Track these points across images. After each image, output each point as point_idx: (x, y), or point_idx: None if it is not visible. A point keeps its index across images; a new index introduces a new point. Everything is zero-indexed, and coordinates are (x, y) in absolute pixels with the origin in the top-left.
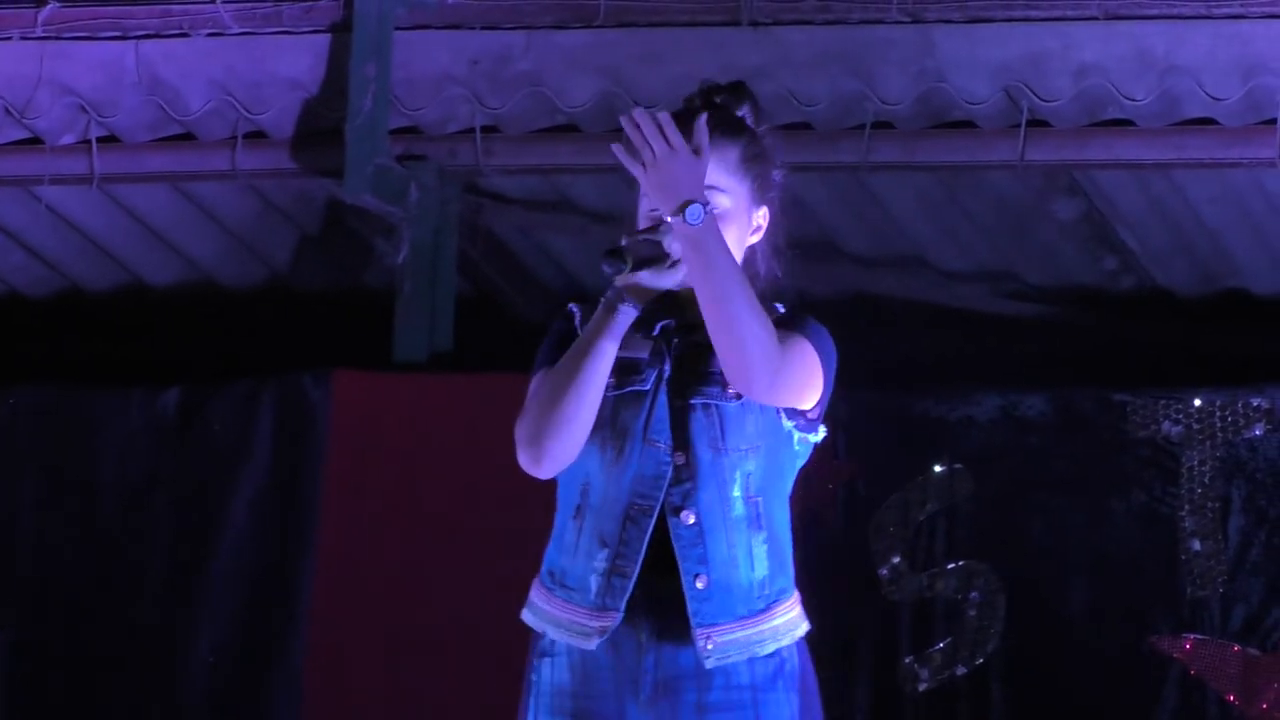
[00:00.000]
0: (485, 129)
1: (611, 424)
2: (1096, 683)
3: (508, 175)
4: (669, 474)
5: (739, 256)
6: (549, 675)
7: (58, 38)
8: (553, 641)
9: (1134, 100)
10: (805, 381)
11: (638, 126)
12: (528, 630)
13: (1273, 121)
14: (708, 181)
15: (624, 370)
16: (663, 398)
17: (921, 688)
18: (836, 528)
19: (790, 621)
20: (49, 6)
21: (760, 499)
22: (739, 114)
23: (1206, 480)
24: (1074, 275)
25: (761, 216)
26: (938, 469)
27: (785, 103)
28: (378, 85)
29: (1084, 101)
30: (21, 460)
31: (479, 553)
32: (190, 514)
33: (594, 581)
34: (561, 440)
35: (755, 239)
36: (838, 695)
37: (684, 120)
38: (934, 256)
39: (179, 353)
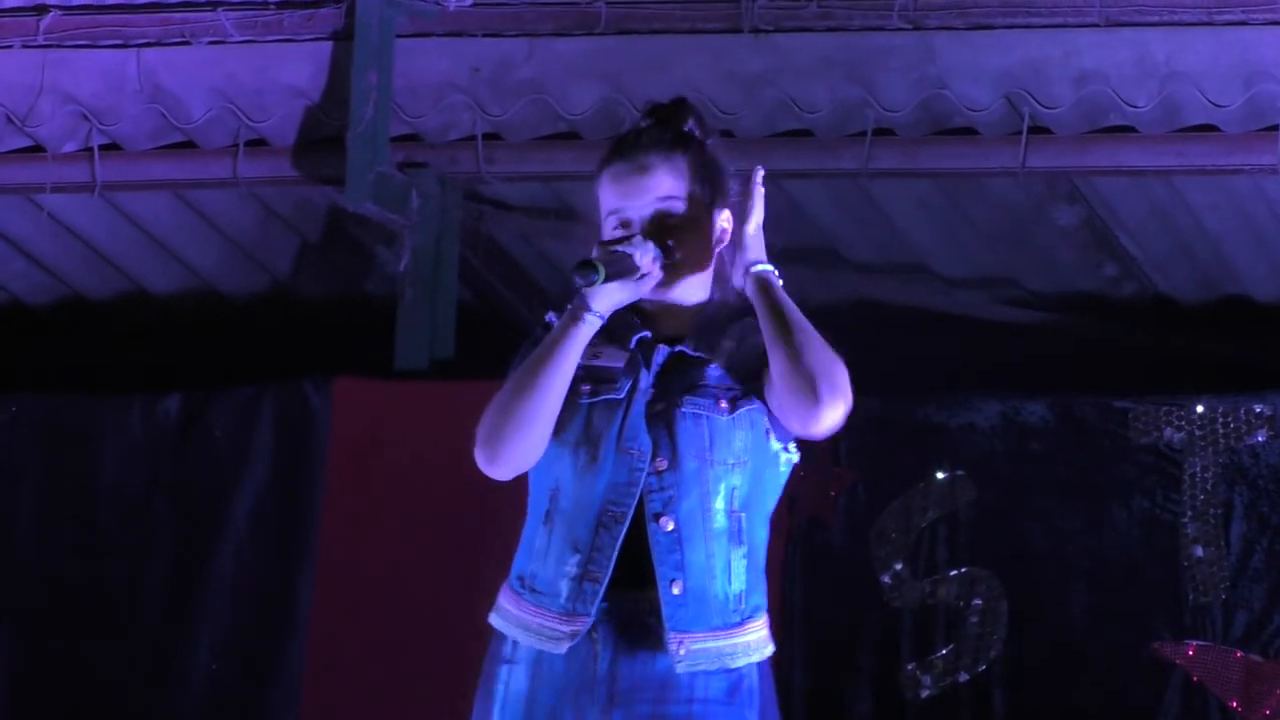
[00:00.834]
0: (487, 136)
1: (585, 431)
2: (1099, 689)
3: (509, 182)
4: (642, 481)
5: (709, 262)
6: (509, 682)
7: (60, 46)
8: (515, 646)
9: (1135, 107)
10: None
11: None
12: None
13: (1274, 128)
14: (663, 193)
15: (599, 379)
16: (638, 406)
17: (924, 694)
18: (838, 534)
19: (760, 640)
20: (51, 14)
21: (743, 515)
22: (685, 128)
23: (1208, 487)
24: (1075, 282)
25: (725, 220)
26: (939, 475)
27: (786, 110)
28: (379, 93)
29: (1085, 108)
30: (23, 467)
31: (479, 560)
32: (191, 521)
33: (564, 586)
34: (517, 442)
35: (722, 243)
36: (839, 702)
37: (629, 142)
38: (935, 263)
39: (180, 360)
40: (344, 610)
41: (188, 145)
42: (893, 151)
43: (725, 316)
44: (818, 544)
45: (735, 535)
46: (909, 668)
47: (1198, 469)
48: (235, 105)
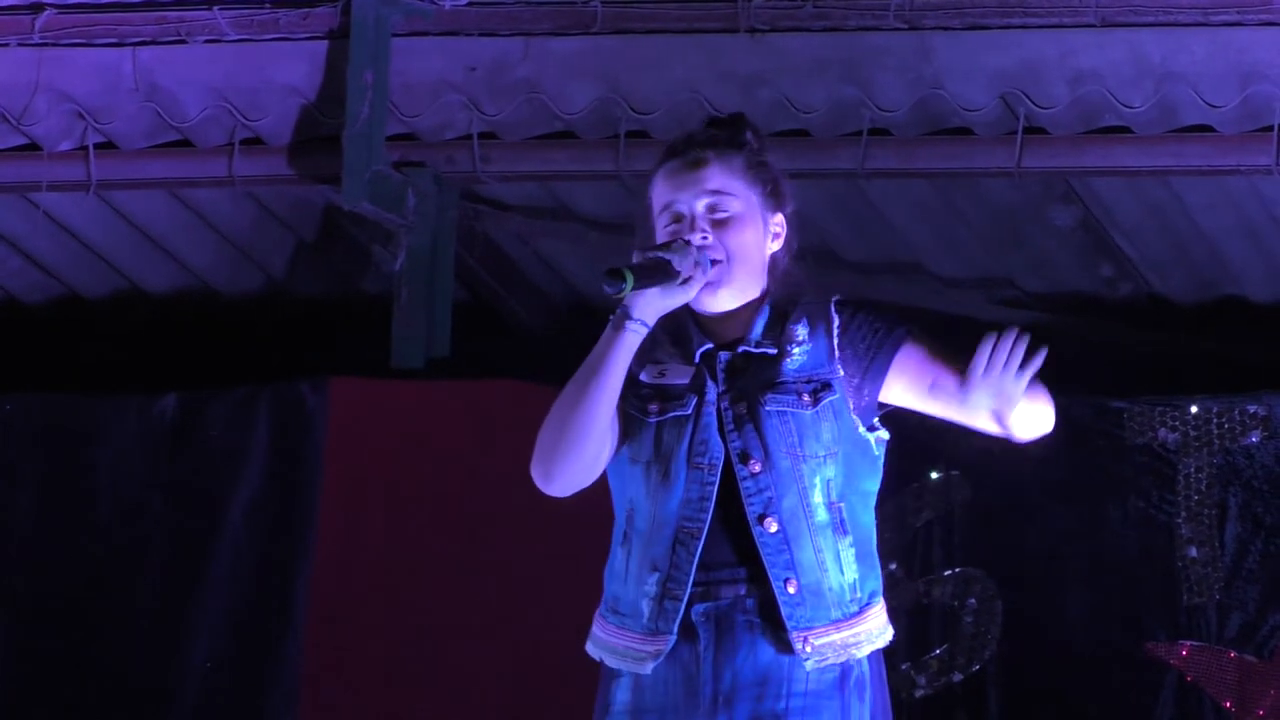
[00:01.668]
0: (483, 135)
1: (655, 450)
2: (1093, 689)
3: (505, 182)
4: (714, 494)
5: (761, 263)
6: (616, 696)
7: (55, 44)
8: (611, 668)
9: (1131, 107)
10: None
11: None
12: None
13: (1270, 128)
14: (716, 185)
15: (665, 397)
16: (707, 418)
17: (918, 694)
18: None
19: (880, 626)
20: (46, 13)
21: (843, 504)
22: (742, 137)
23: (1203, 487)
24: (1071, 282)
25: (778, 223)
26: (934, 476)
27: (782, 110)
28: (375, 92)
29: (1081, 109)
30: (18, 467)
31: (476, 559)
32: (187, 520)
33: (646, 606)
34: (570, 459)
35: (776, 245)
36: None
37: (685, 141)
38: (931, 263)
39: (176, 359)
40: (341, 608)
41: (183, 144)
42: (888, 151)
43: (784, 305)
44: None
45: (839, 526)
46: (904, 667)
47: (1192, 469)
48: (231, 104)
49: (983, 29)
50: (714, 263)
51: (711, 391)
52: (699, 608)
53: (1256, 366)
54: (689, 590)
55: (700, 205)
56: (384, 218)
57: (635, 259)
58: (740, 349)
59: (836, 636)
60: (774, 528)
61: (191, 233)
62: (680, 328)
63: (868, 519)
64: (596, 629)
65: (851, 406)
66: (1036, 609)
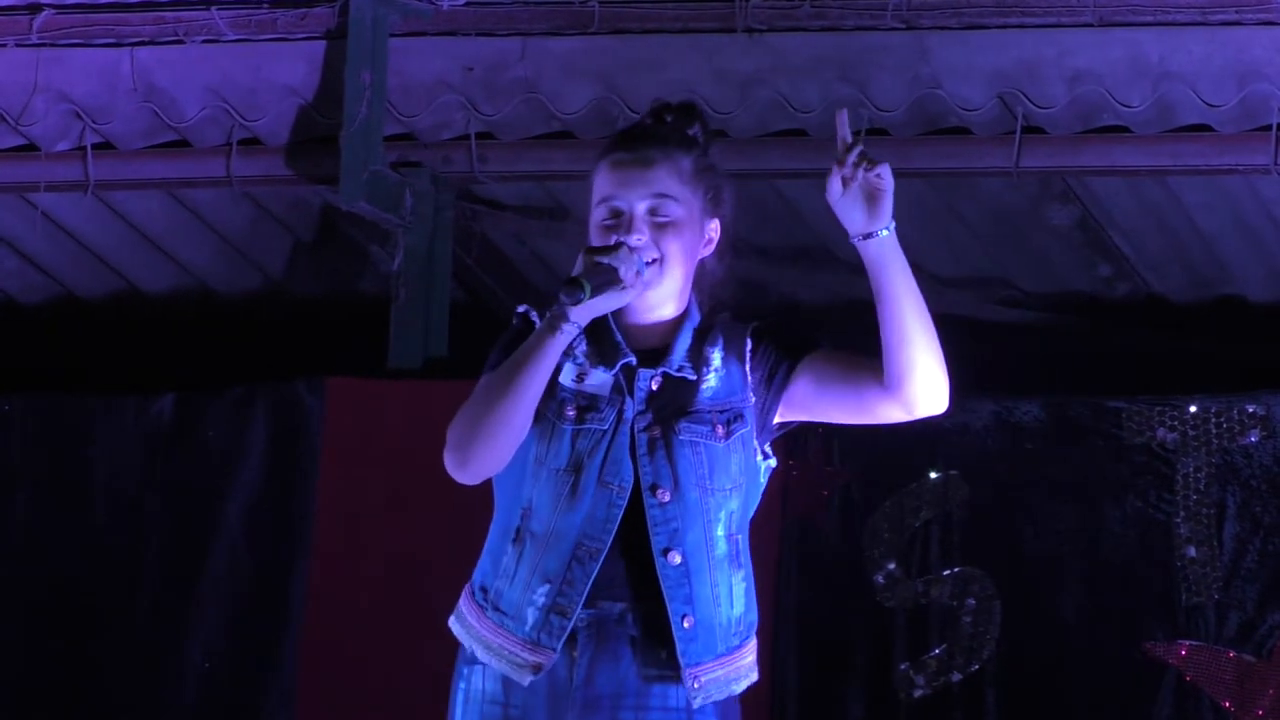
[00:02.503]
0: (480, 136)
1: (569, 460)
2: (1092, 689)
3: (503, 182)
4: (619, 516)
5: (690, 268)
6: (479, 683)
7: (53, 44)
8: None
9: (1129, 107)
10: None
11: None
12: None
13: (1268, 128)
14: (661, 189)
15: (583, 407)
16: (622, 438)
17: (917, 694)
18: (831, 534)
19: (751, 664)
20: (44, 13)
21: (740, 536)
22: (690, 132)
23: (1201, 487)
24: (1068, 282)
25: (713, 229)
26: (933, 475)
27: (779, 109)
28: (373, 92)
29: (1078, 108)
30: (16, 467)
31: (472, 560)
32: (184, 520)
33: (531, 614)
34: (488, 450)
35: (707, 252)
36: (832, 702)
37: (634, 135)
38: (928, 263)
39: (173, 359)
40: (337, 608)
41: (181, 144)
42: (886, 151)
43: (705, 327)
44: (811, 544)
45: (735, 559)
46: (902, 667)
47: (1191, 469)
48: (229, 104)
49: (980, 29)
50: (648, 264)
51: (629, 409)
52: (584, 615)
53: (1255, 366)
54: (579, 610)
55: (641, 207)
56: (381, 218)
57: (579, 267)
58: (661, 369)
59: (720, 672)
60: (677, 560)
61: (189, 233)
62: (600, 328)
63: (747, 548)
64: (470, 617)
65: (755, 432)
66: (1035, 609)
